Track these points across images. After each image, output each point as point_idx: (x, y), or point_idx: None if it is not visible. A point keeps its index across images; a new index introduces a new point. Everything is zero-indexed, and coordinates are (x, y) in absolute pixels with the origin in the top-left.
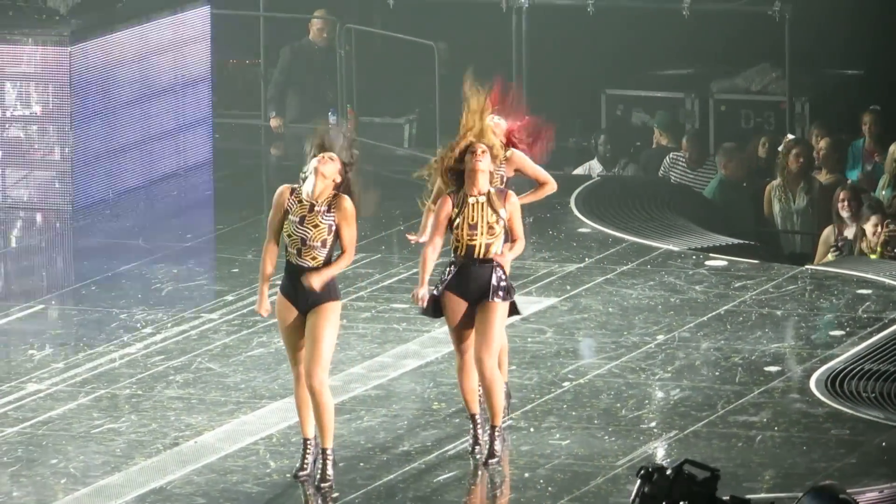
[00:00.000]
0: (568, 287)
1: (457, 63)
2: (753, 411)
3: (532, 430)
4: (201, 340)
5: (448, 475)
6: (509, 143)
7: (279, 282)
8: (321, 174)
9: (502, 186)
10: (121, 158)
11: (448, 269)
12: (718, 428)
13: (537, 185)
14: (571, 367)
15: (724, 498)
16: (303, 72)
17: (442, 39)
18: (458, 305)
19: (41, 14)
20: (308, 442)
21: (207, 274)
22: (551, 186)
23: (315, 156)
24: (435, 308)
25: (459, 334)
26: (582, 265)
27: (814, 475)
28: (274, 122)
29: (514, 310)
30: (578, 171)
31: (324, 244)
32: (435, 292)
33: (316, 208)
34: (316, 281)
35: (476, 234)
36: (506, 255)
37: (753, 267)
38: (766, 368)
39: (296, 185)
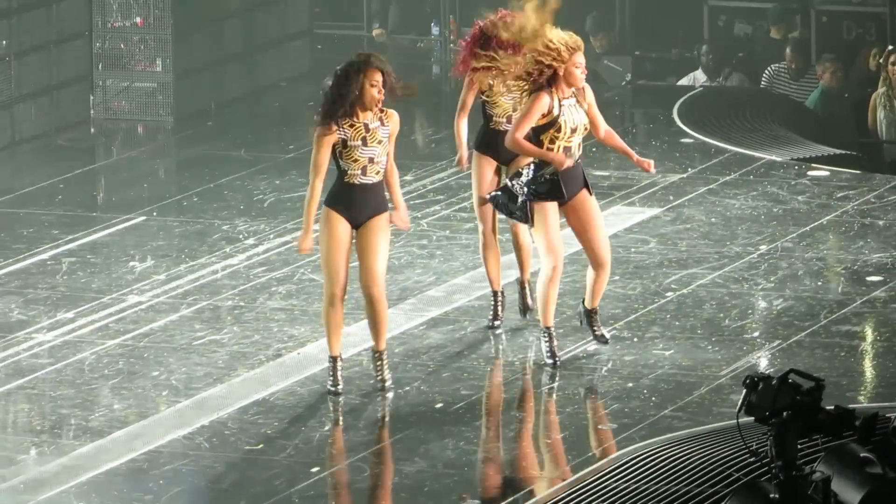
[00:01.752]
0: (671, 197)
1: None
2: (856, 321)
3: (635, 340)
4: None
5: (551, 385)
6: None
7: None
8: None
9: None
10: (222, 69)
11: (539, 175)
12: (821, 338)
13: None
14: (674, 278)
15: (829, 407)
16: None
17: None
18: (554, 208)
19: None
20: (337, 360)
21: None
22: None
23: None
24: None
25: (554, 236)
26: (685, 175)
27: None
28: (377, 33)
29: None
30: (682, 81)
31: (388, 155)
32: (524, 198)
33: (371, 126)
34: (404, 221)
35: (576, 136)
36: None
37: (855, 177)
38: (869, 278)
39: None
